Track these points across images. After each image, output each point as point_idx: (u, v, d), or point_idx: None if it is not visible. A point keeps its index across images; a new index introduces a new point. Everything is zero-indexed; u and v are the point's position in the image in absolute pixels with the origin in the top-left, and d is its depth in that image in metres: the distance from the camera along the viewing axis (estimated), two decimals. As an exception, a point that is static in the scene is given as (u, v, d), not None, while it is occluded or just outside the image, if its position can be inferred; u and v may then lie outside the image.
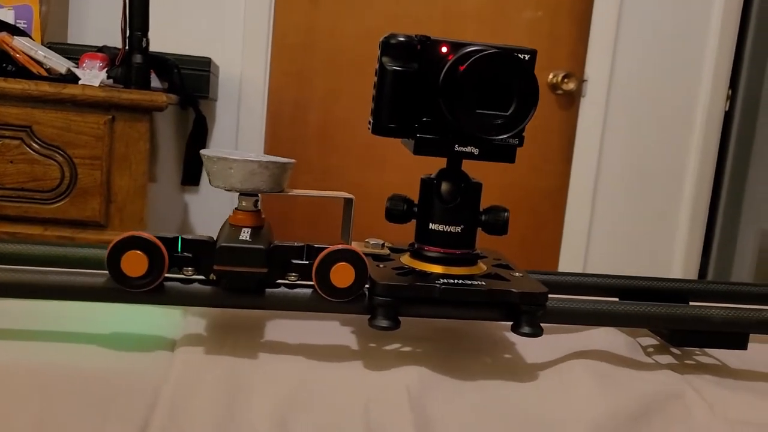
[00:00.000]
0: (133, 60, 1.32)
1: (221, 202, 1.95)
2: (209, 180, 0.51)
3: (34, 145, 1.27)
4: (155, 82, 1.46)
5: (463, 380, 0.51)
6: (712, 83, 2.01)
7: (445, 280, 0.50)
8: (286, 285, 0.50)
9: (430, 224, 0.53)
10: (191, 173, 1.72)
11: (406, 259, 0.54)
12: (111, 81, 1.33)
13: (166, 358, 0.49)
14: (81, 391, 0.45)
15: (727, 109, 2.05)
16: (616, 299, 0.61)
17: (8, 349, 0.48)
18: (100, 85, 1.28)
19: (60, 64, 1.32)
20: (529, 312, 0.50)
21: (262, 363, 0.50)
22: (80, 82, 1.28)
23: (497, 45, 0.49)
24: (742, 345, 0.56)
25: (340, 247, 0.48)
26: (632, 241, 2.09)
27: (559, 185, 2.07)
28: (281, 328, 0.56)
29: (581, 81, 2.01)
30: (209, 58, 1.66)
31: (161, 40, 1.46)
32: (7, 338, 0.50)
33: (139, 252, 0.46)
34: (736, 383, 0.54)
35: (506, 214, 0.53)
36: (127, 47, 1.33)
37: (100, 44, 1.47)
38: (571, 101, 2.03)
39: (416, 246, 0.54)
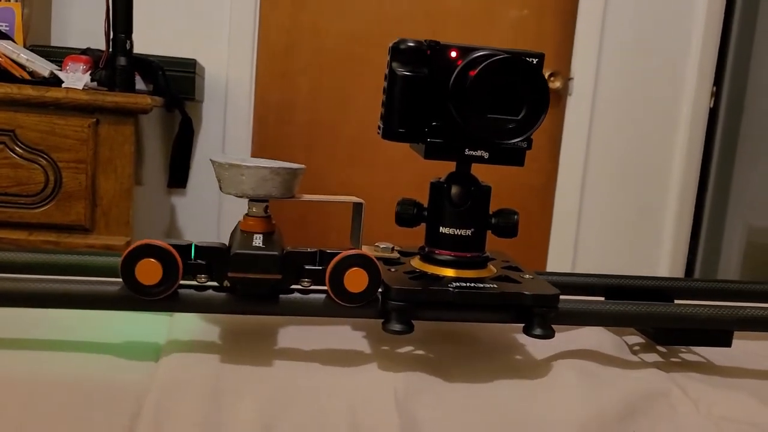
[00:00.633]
0: (117, 62, 1.31)
1: (208, 205, 1.94)
2: (220, 187, 0.51)
3: (17, 149, 1.26)
4: (140, 84, 1.45)
5: (450, 382, 0.50)
6: (697, 80, 2.02)
7: (458, 284, 0.50)
8: (299, 291, 0.50)
9: (441, 228, 0.53)
10: (178, 176, 1.71)
11: (416, 263, 0.55)
12: (95, 84, 1.32)
13: (150, 364, 0.49)
14: (64, 400, 0.44)
15: (711, 105, 2.06)
16: (602, 299, 0.61)
17: (-10, 358, 0.48)
18: (83, 88, 1.27)
19: (43, 67, 1.30)
20: (541, 314, 0.50)
21: (247, 367, 0.50)
22: (64, 85, 1.27)
23: (505, 49, 0.50)
24: (726, 342, 0.56)
25: (353, 252, 0.48)
26: (620, 237, 2.10)
27: (546, 183, 2.07)
28: (266, 333, 0.56)
29: (567, 79, 2.02)
30: (194, 60, 1.65)
31: (146, 42, 1.45)
32: (-11, 347, 0.49)
33: (153, 260, 0.46)
34: (721, 380, 0.55)
35: (516, 216, 0.54)
36: (110, 49, 1.32)
37: (84, 47, 1.45)
38: (557, 99, 2.04)
39: (427, 249, 0.54)
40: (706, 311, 0.54)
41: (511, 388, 0.51)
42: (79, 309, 0.49)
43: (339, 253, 0.48)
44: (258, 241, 0.49)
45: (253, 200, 0.51)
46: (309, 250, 0.49)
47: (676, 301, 0.63)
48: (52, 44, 1.75)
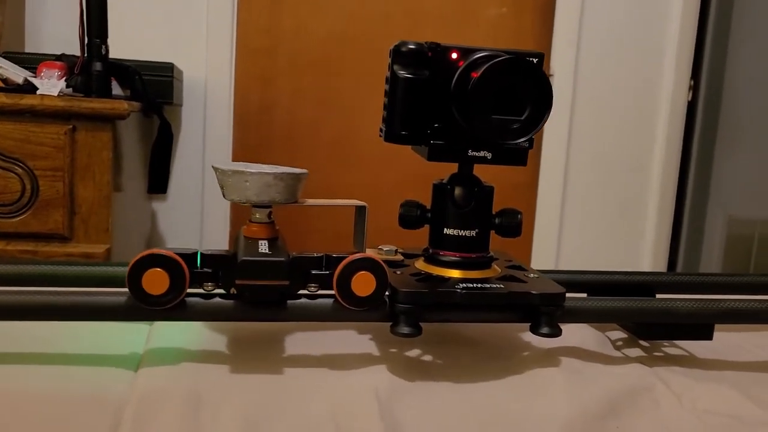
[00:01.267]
0: (93, 68, 1.30)
1: (190, 210, 1.93)
2: (223, 193, 0.50)
3: (-8, 158, 1.24)
4: (117, 89, 1.43)
5: (432, 382, 0.50)
6: (675, 74, 2.04)
7: (465, 285, 0.50)
8: (306, 296, 0.49)
9: (445, 229, 0.53)
10: (158, 181, 1.70)
11: (421, 265, 0.55)
12: (70, 90, 1.30)
13: (130, 375, 0.48)
14: (42, 414, 0.44)
15: (690, 99, 2.08)
16: (584, 295, 0.61)
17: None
18: (59, 95, 1.25)
19: (17, 74, 1.28)
20: (548, 313, 0.51)
21: (228, 375, 0.49)
22: (38, 92, 1.25)
23: (505, 50, 0.50)
24: (707, 335, 0.57)
25: (360, 255, 0.48)
26: (603, 232, 2.11)
27: (528, 181, 2.08)
28: (248, 340, 0.55)
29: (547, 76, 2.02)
30: (172, 64, 1.63)
31: (122, 46, 1.43)
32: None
33: (159, 269, 0.45)
34: (704, 373, 0.55)
35: (520, 216, 0.55)
36: (85, 55, 1.30)
37: (58, 52, 1.43)
38: (537, 96, 2.05)
39: (431, 251, 0.55)
40: (687, 305, 0.54)
41: (495, 387, 0.51)
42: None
43: (345, 257, 0.48)
44: (264, 247, 0.49)
45: (256, 206, 0.51)
46: (315, 254, 0.49)
47: (657, 296, 0.63)
48: (26, 51, 1.72)
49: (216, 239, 1.92)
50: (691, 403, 0.50)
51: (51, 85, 1.27)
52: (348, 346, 0.54)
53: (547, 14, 2.02)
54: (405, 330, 0.48)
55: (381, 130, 0.52)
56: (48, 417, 0.44)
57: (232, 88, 1.91)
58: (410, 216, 0.55)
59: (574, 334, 0.59)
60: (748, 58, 2.04)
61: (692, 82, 2.07)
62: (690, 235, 2.13)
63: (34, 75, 1.30)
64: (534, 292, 0.50)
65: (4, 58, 1.35)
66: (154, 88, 1.56)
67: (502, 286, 0.51)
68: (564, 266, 2.06)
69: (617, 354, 0.58)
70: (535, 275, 0.55)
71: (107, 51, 1.31)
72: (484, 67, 0.48)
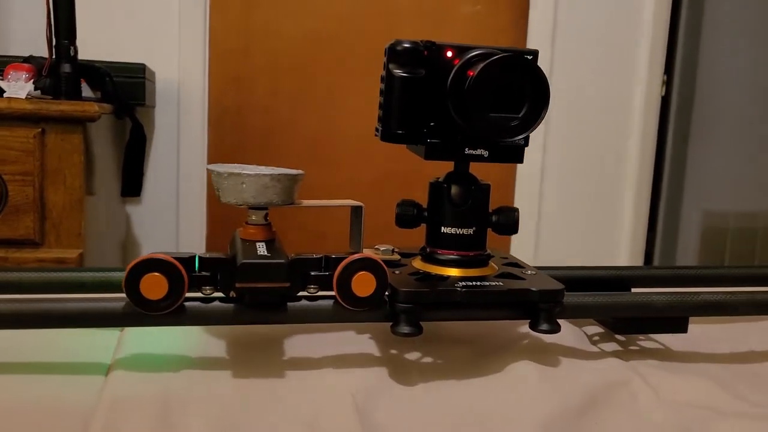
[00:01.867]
0: (62, 69, 1.27)
1: (165, 213, 1.90)
2: (218, 196, 0.49)
3: (-42, 163, 1.21)
4: (87, 91, 1.41)
5: (408, 383, 0.50)
6: (648, 69, 2.06)
7: (465, 283, 0.50)
8: (306, 297, 0.49)
9: (442, 228, 0.53)
10: (131, 184, 1.67)
11: (418, 264, 0.55)
12: (39, 92, 1.28)
13: (98, 383, 0.47)
14: (8, 425, 0.42)
15: (663, 94, 2.10)
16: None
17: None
18: (27, 97, 1.22)
19: (-18, 77, 1.26)
20: (547, 309, 0.51)
21: (199, 380, 0.48)
22: (5, 95, 1.22)
23: (498, 47, 0.50)
24: (682, 328, 0.57)
25: (359, 256, 0.48)
26: (580, 228, 2.12)
27: (506, 178, 2.09)
28: (219, 343, 0.54)
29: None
30: (143, 65, 1.61)
31: (92, 47, 1.41)
32: None
33: (157, 274, 0.45)
34: (679, 366, 0.55)
35: (516, 213, 0.55)
36: (54, 56, 1.28)
37: (26, 54, 1.40)
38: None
39: (429, 250, 0.54)
40: (661, 299, 0.55)
41: (472, 386, 0.50)
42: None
43: (345, 258, 0.48)
44: (262, 249, 0.48)
45: (253, 208, 0.50)
46: (315, 256, 0.48)
47: (633, 290, 0.63)
48: (-6, 53, 1.69)
49: (192, 242, 1.90)
50: (668, 396, 0.50)
51: (18, 87, 1.24)
52: (324, 348, 0.54)
53: (521, 11, 2.03)
54: (406, 329, 0.48)
55: (377, 129, 0.52)
56: (14, 428, 0.42)
57: (206, 89, 1.89)
58: (407, 215, 0.54)
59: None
60: (720, 53, 2.06)
61: (665, 77, 2.09)
62: (666, 228, 2.15)
63: (0, 78, 1.28)
64: (533, 289, 0.50)
65: (-30, 60, 1.32)
66: (126, 89, 1.53)
67: (501, 283, 0.51)
68: (542, 260, 2.07)
69: (594, 349, 0.58)
70: (533, 272, 0.55)
71: (76, 52, 1.29)
72: (481, 65, 0.48)
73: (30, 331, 0.48)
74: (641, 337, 0.61)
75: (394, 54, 0.50)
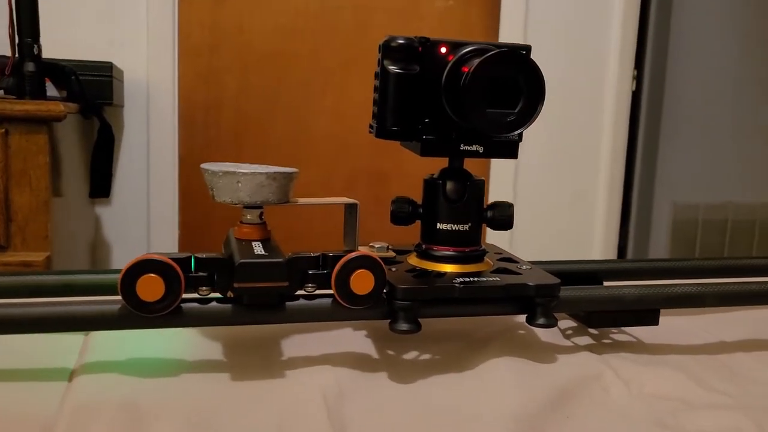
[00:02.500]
0: (25, 68, 1.24)
1: (135, 214, 1.87)
2: (212, 195, 0.48)
3: None
4: (52, 90, 1.38)
5: (380, 381, 0.49)
6: (619, 64, 2.07)
7: (463, 279, 0.50)
8: (304, 296, 0.48)
9: (438, 224, 0.53)
10: (100, 185, 1.64)
11: (414, 260, 0.54)
12: (2, 92, 1.25)
13: (61, 389, 0.46)
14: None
15: (634, 89, 2.12)
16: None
17: None
18: (-11, 97, 1.19)
19: (-58, 76, 1.22)
20: (544, 303, 0.51)
21: (166, 384, 0.47)
22: (-33, 95, 1.19)
23: (491, 43, 0.50)
24: (654, 321, 0.57)
25: (358, 254, 0.47)
26: (554, 222, 2.14)
27: (479, 174, 2.09)
28: (188, 345, 0.53)
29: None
30: (111, 63, 1.58)
31: (57, 46, 1.38)
32: None
33: (153, 275, 0.43)
34: (651, 358, 0.55)
35: (511, 209, 0.55)
36: (17, 55, 1.25)
37: (-12, 53, 1.37)
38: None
39: (424, 246, 0.54)
40: (633, 292, 0.55)
41: (444, 382, 0.50)
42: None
43: (342, 256, 0.47)
44: (258, 248, 0.48)
45: (248, 207, 0.49)
46: (312, 254, 0.48)
47: (605, 284, 0.63)
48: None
49: (164, 243, 1.87)
50: (639, 389, 0.50)
51: (-20, 87, 1.21)
52: (298, 348, 0.53)
53: (493, 7, 2.03)
54: (404, 327, 0.48)
55: (371, 126, 0.52)
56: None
57: (175, 87, 1.87)
58: (402, 212, 0.54)
59: (522, 324, 0.59)
60: (689, 48, 2.09)
61: (636, 72, 2.11)
62: (638, 222, 2.18)
63: (-39, 77, 1.24)
64: (530, 283, 0.50)
65: (-71, 60, 1.29)
66: (93, 88, 1.51)
67: (498, 279, 0.51)
68: (517, 254, 2.08)
69: (567, 343, 0.58)
70: (528, 266, 0.55)
71: (40, 50, 1.26)
72: (477, 61, 0.47)
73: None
74: (614, 330, 0.61)
75: (388, 50, 0.50)
